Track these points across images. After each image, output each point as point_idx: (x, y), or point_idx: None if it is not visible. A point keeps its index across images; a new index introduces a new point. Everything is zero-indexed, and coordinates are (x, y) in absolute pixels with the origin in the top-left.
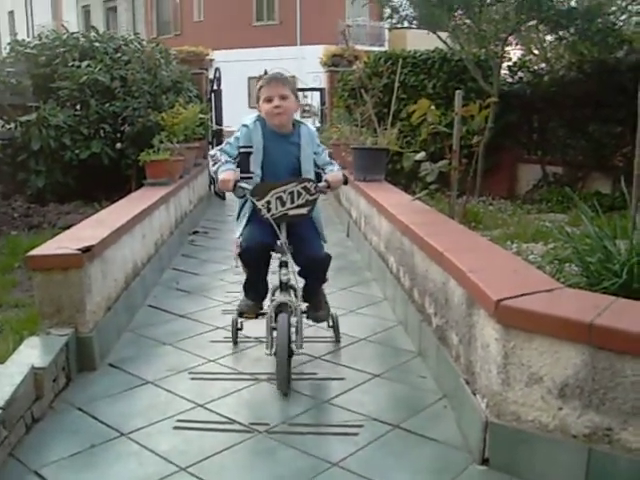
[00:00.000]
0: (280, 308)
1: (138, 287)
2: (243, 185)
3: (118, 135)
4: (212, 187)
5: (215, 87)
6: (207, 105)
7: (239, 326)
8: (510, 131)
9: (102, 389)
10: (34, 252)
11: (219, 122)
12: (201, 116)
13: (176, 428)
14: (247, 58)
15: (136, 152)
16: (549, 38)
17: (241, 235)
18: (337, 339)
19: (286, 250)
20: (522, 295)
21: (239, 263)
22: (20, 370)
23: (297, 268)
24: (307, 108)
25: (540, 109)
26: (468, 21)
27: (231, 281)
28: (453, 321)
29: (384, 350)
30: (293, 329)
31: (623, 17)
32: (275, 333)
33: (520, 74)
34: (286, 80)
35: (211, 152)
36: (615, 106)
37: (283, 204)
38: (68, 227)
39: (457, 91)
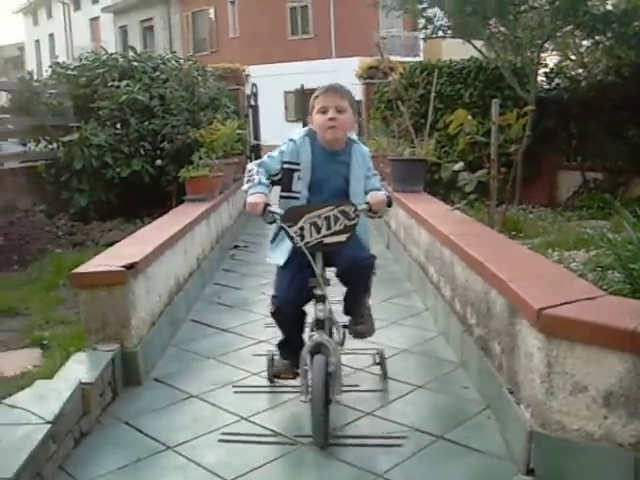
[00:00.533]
0: (316, 349)
1: (181, 302)
2: (273, 209)
3: (158, 152)
4: None
5: (252, 102)
6: (245, 120)
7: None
8: (548, 138)
9: (147, 403)
10: (79, 269)
11: (257, 137)
12: (239, 131)
13: (221, 441)
14: (283, 72)
15: (176, 169)
16: (585, 43)
17: (275, 282)
18: (385, 376)
19: (322, 284)
20: (564, 304)
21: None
22: (68, 385)
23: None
24: None
25: (578, 115)
26: (503, 29)
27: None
28: (495, 331)
29: (426, 361)
30: (332, 372)
31: None
32: (310, 376)
33: (557, 80)
34: (345, 92)
35: (249, 165)
36: None
37: (318, 230)
38: (111, 244)
39: (494, 100)
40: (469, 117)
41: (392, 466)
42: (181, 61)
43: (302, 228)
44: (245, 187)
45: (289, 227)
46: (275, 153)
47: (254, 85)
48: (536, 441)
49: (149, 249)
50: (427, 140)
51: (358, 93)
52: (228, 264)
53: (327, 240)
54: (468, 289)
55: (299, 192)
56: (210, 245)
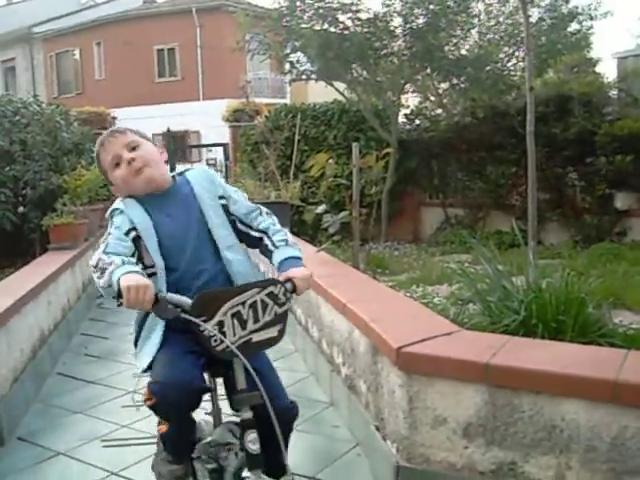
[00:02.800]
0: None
1: (46, 355)
2: (171, 296)
3: (20, 199)
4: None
5: None
6: None
7: None
8: (411, 177)
9: (11, 464)
10: None
11: None
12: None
13: None
14: (150, 115)
15: (39, 216)
16: (444, 85)
17: (148, 369)
18: None
19: (265, 397)
20: (422, 341)
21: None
22: None
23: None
24: (212, 162)
25: (439, 154)
26: (364, 73)
27: None
28: (360, 370)
29: (298, 402)
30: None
31: (510, 63)
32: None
33: (417, 121)
34: (125, 129)
35: (91, 261)
36: (509, 148)
37: (244, 325)
38: None
39: (354, 144)
40: (330, 161)
41: None
42: (43, 105)
43: (221, 323)
44: (103, 279)
45: (204, 322)
46: (113, 231)
47: None
48: (403, 475)
49: (9, 302)
50: (292, 182)
51: (226, 136)
52: (95, 313)
53: (256, 337)
54: (334, 329)
55: (152, 265)
56: (76, 294)
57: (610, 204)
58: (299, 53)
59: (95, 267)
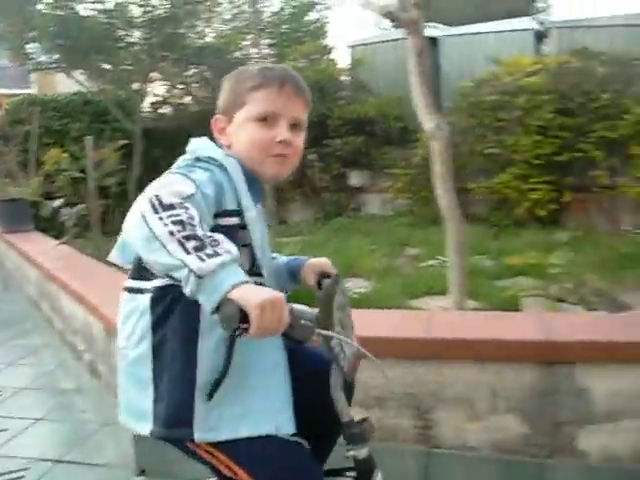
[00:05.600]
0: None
1: None
2: (298, 309)
3: None
4: None
5: None
6: None
7: None
8: (158, 166)
9: None
10: None
11: None
12: None
13: None
14: None
15: None
16: (191, 73)
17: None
18: None
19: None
20: None
21: None
22: None
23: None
24: None
25: (185, 142)
26: (105, 63)
27: None
28: (99, 354)
29: (45, 394)
30: None
31: (254, 50)
32: None
33: (164, 110)
34: (308, 92)
35: (170, 195)
36: None
37: (347, 333)
38: None
39: (87, 138)
40: (64, 155)
41: None
42: None
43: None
44: (186, 256)
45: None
46: (196, 192)
47: None
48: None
49: None
50: (34, 177)
51: None
52: None
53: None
54: (74, 319)
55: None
56: None
57: (345, 182)
58: (37, 43)
59: (170, 206)
